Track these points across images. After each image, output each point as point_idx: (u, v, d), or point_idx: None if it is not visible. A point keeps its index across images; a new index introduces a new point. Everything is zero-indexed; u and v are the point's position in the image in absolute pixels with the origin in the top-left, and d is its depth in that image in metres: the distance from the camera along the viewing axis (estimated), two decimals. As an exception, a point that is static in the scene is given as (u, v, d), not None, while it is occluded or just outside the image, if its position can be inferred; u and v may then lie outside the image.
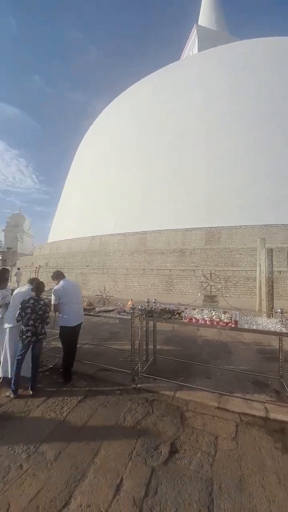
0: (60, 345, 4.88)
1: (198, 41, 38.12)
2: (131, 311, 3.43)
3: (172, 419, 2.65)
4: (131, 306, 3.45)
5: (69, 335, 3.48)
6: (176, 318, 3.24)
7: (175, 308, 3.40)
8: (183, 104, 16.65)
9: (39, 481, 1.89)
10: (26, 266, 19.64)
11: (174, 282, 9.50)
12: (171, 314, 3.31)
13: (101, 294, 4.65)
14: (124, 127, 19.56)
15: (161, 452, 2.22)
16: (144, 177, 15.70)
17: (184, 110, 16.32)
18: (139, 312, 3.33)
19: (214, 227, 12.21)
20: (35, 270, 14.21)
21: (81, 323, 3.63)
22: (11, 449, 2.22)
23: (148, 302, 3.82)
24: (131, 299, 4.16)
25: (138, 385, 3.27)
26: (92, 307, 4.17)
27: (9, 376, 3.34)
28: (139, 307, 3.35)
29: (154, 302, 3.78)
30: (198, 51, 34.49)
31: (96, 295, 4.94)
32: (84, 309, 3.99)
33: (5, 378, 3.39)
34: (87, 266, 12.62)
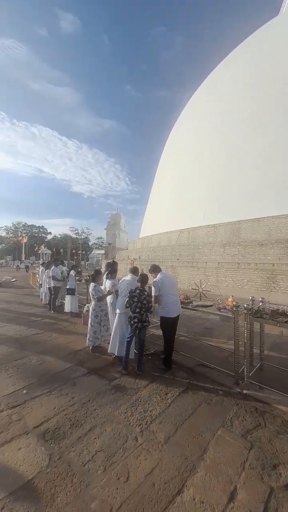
0: (158, 332, 5.24)
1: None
2: (234, 309, 3.14)
3: (293, 441, 2.25)
4: (234, 303, 3.16)
5: (169, 325, 3.61)
6: (295, 323, 2.69)
7: (292, 311, 2.84)
8: (279, 75, 13.57)
9: (152, 459, 2.05)
10: (123, 259, 22.26)
11: (278, 278, 8.08)
12: (287, 317, 2.78)
13: (197, 288, 4.55)
14: (211, 110, 18.22)
15: (280, 474, 1.93)
16: (234, 161, 14.13)
17: (283, 81, 13.30)
18: (245, 311, 3.00)
19: None
20: (131, 262, 15.86)
21: (179, 315, 3.69)
22: (127, 420, 2.53)
23: (252, 300, 3.39)
24: (232, 296, 3.83)
25: (244, 391, 2.98)
26: (188, 300, 4.15)
27: (115, 354, 3.84)
28: (245, 306, 3.02)
29: (262, 301, 3.31)
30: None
31: (192, 289, 4.89)
32: (181, 302, 4.03)
33: (116, 356, 3.93)
34: (177, 259, 12.80)
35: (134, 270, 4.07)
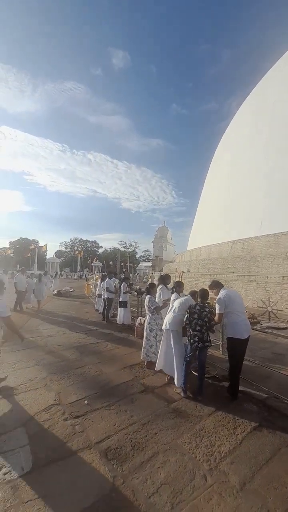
0: (217, 354, 4.80)
1: None
2: None
3: None
4: None
5: (238, 347, 3.21)
6: None
7: None
8: None
9: (227, 506, 1.75)
10: (171, 271, 22.02)
11: None
12: None
13: (264, 306, 4.01)
14: (265, 113, 17.06)
15: None
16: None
17: None
18: None
19: None
20: (180, 276, 15.50)
21: (249, 336, 3.27)
22: (192, 452, 2.27)
23: None
24: (313, 318, 3.22)
25: None
26: (255, 320, 3.68)
27: (166, 373, 3.62)
28: None
29: None
30: None
31: (258, 307, 4.34)
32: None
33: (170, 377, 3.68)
34: (233, 272, 11.87)
35: (194, 294, 3.80)
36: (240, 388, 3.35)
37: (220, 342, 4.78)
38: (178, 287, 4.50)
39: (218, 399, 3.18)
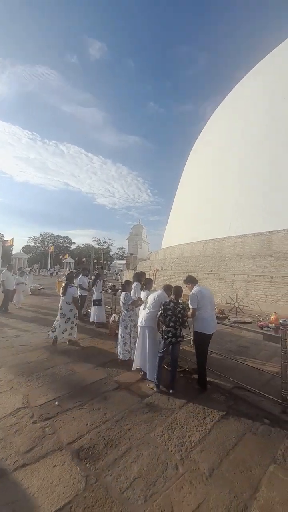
0: (188, 348, 4.98)
1: None
2: (282, 327, 2.85)
3: None
4: (281, 321, 2.88)
5: (205, 342, 3.39)
6: None
7: None
8: None
9: (198, 493, 1.84)
10: (145, 269, 22.22)
11: None
12: None
13: (232, 302, 4.27)
14: (237, 120, 18.05)
15: None
16: (264, 171, 13.66)
17: None
18: (295, 331, 2.71)
19: None
20: (153, 273, 15.71)
21: (214, 332, 3.46)
22: (164, 444, 2.33)
23: (300, 318, 3.06)
24: (275, 313, 3.52)
25: (295, 422, 2.64)
26: (224, 315, 3.90)
27: (141, 368, 3.68)
28: (295, 325, 2.73)
29: (312, 320, 2.97)
30: None
31: (227, 303, 4.61)
32: (216, 317, 3.79)
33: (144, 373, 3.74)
34: (211, 270, 12.35)
35: (168, 288, 3.87)
36: (209, 379, 3.54)
37: (191, 337, 4.97)
38: (148, 284, 4.52)
39: (189, 392, 3.32)
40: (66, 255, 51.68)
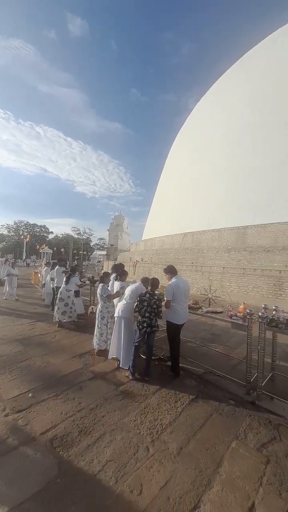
0: (163, 336, 5.15)
1: None
2: (248, 316, 3.06)
3: (311, 457, 2.16)
4: (248, 311, 3.09)
5: (175, 331, 3.54)
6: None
7: (308, 321, 2.76)
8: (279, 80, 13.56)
9: (166, 471, 1.97)
10: (126, 260, 22.19)
11: (284, 286, 7.98)
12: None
13: (206, 293, 4.47)
14: (218, 116, 18.26)
15: (300, 491, 1.84)
16: (241, 167, 14.10)
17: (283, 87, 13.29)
18: (259, 320, 2.92)
19: None
20: (134, 265, 15.81)
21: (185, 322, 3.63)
22: (137, 428, 2.44)
23: (265, 308, 3.31)
24: (244, 303, 3.75)
25: (256, 402, 2.90)
26: (198, 306, 4.08)
27: (117, 358, 3.78)
28: (260, 314, 2.94)
29: (275, 310, 3.23)
30: None
31: (201, 294, 4.81)
32: (190, 307, 3.96)
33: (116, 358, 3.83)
34: (192, 263, 12.65)
35: (145, 281, 3.93)
36: (183, 366, 3.73)
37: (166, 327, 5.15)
38: (122, 276, 4.56)
39: (163, 378, 3.47)
40: (43, 245, 49.67)
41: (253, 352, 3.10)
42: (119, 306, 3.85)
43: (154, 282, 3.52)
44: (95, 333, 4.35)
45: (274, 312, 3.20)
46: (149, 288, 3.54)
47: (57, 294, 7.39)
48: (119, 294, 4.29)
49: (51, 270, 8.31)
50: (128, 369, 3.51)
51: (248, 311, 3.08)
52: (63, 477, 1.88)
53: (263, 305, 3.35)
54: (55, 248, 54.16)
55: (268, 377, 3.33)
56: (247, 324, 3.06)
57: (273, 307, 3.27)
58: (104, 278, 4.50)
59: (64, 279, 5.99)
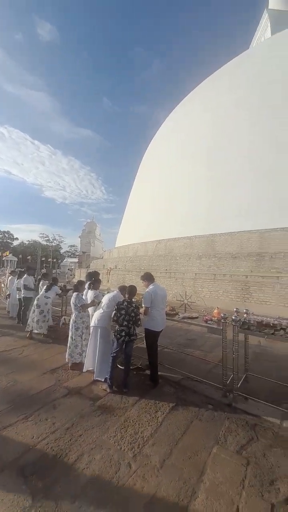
0: (141, 345, 5.09)
1: (270, 25, 34.31)
2: (223, 320, 3.19)
3: (285, 452, 2.28)
4: (222, 315, 3.21)
5: (153, 338, 3.53)
6: (282, 335, 2.81)
7: (276, 322, 2.97)
8: (254, 99, 15.16)
9: (150, 486, 1.90)
10: (99, 268, 21.70)
11: (251, 290, 8.57)
12: (273, 329, 2.89)
13: (182, 299, 4.56)
14: (187, 130, 19.36)
15: (279, 488, 1.92)
16: (210, 179, 15.04)
17: (258, 105, 14.84)
18: (233, 323, 3.06)
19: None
20: (107, 272, 15.52)
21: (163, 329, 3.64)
22: (118, 445, 2.33)
23: (237, 311, 3.49)
24: (218, 307, 3.91)
25: (233, 404, 2.99)
26: (174, 312, 4.13)
27: (93, 369, 3.63)
28: (233, 318, 3.08)
29: (246, 313, 3.42)
30: (272, 35, 30.99)
31: (177, 300, 4.89)
32: (167, 314, 3.99)
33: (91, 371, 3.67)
34: (166, 270, 12.81)
35: (122, 289, 3.86)
36: (161, 373, 3.70)
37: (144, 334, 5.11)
38: (95, 284, 4.45)
39: (142, 388, 3.39)
40: (7, 252, 46.17)
41: (228, 354, 3.22)
42: (96, 315, 3.72)
43: (132, 290, 3.48)
44: (68, 345, 4.11)
45: (245, 315, 3.39)
46: (126, 296, 3.49)
47: (24, 305, 6.91)
48: (95, 303, 4.14)
49: (17, 279, 7.73)
50: (105, 381, 3.37)
51: (222, 315, 3.21)
52: (39, 507, 1.69)
53: (235, 309, 3.52)
54: (20, 256, 50.72)
55: (243, 378, 3.48)
56: (222, 328, 3.18)
57: (244, 310, 3.46)
58: (79, 286, 4.32)
59: (45, 287, 6.07)
